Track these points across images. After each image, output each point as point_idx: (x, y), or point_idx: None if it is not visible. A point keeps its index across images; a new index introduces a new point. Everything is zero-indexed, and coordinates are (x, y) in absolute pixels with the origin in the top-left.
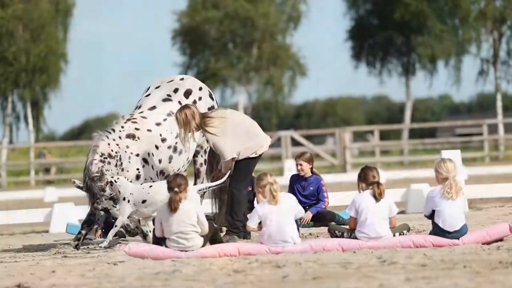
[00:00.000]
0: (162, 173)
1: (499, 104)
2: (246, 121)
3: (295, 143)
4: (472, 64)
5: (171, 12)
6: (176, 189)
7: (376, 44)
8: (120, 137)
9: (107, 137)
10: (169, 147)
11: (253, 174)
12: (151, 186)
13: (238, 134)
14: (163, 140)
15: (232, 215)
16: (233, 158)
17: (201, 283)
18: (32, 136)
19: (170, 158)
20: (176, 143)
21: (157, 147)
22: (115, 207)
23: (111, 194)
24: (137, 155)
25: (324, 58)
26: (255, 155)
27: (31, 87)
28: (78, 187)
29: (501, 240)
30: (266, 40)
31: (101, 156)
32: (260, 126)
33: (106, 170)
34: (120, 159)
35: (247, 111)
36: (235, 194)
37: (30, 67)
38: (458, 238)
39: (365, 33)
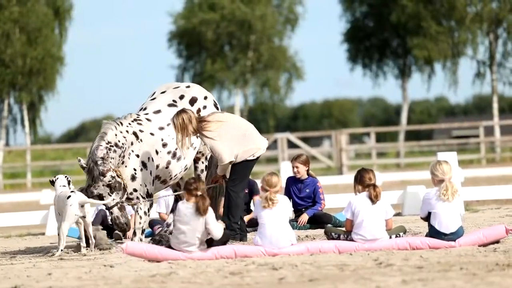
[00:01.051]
0: (158, 178)
1: (495, 106)
2: (243, 124)
3: (291, 145)
4: (469, 66)
5: (167, 14)
6: (200, 193)
7: (372, 46)
8: (127, 131)
9: (116, 128)
10: (168, 153)
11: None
12: (58, 196)
13: (236, 137)
14: (164, 145)
15: (229, 217)
16: (230, 161)
17: (198, 285)
18: (29, 139)
19: (168, 163)
20: (176, 149)
21: (157, 152)
22: (111, 195)
23: (109, 181)
24: (137, 155)
25: (321, 60)
26: (252, 158)
27: (27, 90)
28: (82, 166)
29: (497, 242)
30: (263, 42)
31: (107, 144)
32: (256, 129)
33: (111, 158)
34: (124, 151)
35: (243, 114)
36: (233, 197)
37: (26, 69)
38: (455, 240)
39: (361, 35)
